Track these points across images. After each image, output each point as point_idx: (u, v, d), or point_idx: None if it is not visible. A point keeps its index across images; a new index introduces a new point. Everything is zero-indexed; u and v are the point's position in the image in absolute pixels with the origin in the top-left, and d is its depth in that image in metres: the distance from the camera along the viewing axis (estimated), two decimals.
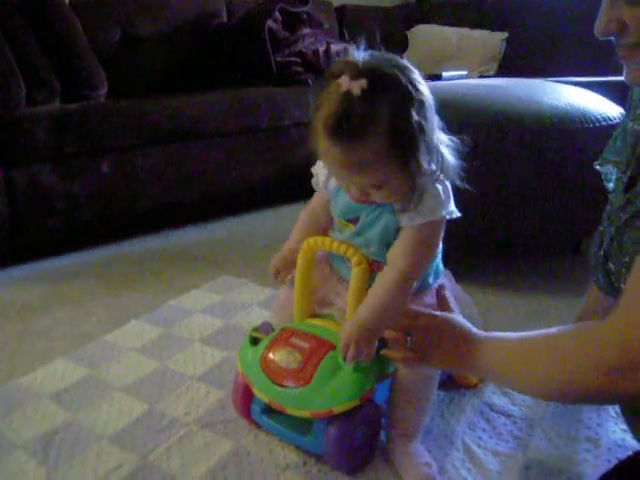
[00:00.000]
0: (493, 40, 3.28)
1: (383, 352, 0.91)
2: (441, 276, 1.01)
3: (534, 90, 1.65)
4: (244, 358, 1.00)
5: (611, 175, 0.94)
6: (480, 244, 1.71)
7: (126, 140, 2.07)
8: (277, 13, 2.63)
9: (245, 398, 1.02)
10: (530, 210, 1.52)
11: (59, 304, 1.63)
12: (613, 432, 1.02)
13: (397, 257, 0.88)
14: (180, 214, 2.32)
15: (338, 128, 0.77)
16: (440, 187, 0.87)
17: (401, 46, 3.41)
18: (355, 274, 0.92)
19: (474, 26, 3.37)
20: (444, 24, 3.45)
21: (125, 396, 1.16)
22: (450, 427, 1.05)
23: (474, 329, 0.87)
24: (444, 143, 0.87)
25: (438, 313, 0.90)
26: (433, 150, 0.83)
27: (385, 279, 0.88)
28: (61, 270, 1.90)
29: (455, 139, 0.88)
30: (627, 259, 0.74)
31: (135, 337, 1.41)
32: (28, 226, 1.93)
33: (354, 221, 0.94)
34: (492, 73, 3.23)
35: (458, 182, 0.89)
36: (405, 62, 0.82)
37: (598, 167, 0.98)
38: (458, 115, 1.47)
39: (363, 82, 0.76)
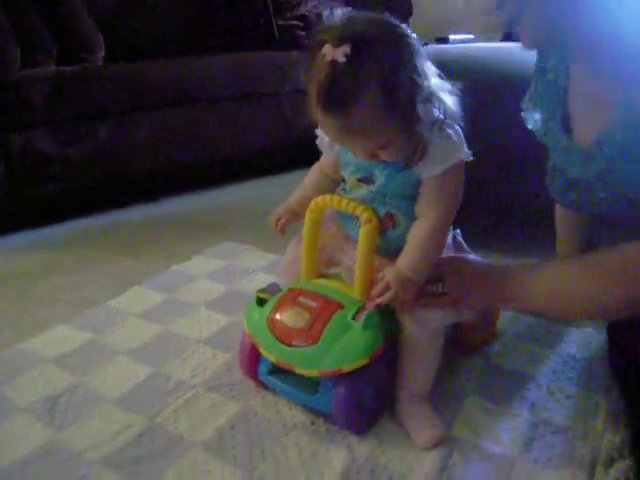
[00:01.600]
0: None
1: (424, 302, 0.91)
2: None
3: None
4: (251, 319, 0.98)
5: (534, 117, 1.02)
6: (482, 206, 1.69)
7: (124, 104, 2.04)
8: None
9: (252, 359, 1.01)
10: (533, 172, 1.50)
11: (59, 271, 1.62)
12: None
13: (425, 210, 0.88)
14: (180, 180, 2.29)
15: (329, 99, 0.76)
16: (451, 132, 0.86)
17: (406, 11, 3.34)
18: (364, 232, 0.90)
19: None
20: None
21: (130, 360, 1.15)
22: (457, 388, 1.04)
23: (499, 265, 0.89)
24: (443, 89, 0.85)
25: (462, 255, 0.93)
26: (432, 98, 0.82)
27: (418, 231, 0.88)
28: (60, 237, 1.89)
29: (455, 84, 0.86)
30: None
31: (138, 303, 1.39)
32: (25, 193, 1.91)
33: (366, 180, 0.92)
34: (498, 38, 3.17)
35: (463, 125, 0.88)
36: (388, 17, 0.80)
37: (523, 114, 1.05)
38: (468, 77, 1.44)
39: (346, 48, 0.74)
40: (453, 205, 0.90)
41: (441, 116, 0.84)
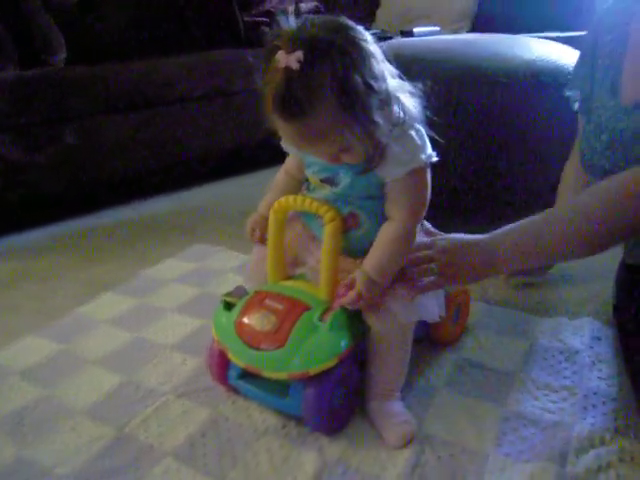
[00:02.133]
0: None
1: (421, 285, 0.92)
2: None
3: (507, 45, 1.62)
4: (218, 324, 0.97)
5: (576, 97, 1.12)
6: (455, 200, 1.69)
7: (89, 108, 2.00)
8: None
9: (221, 364, 0.99)
10: (504, 163, 1.51)
11: (27, 279, 1.58)
12: (588, 379, 1.03)
13: (393, 211, 0.89)
14: (150, 183, 2.26)
15: (285, 106, 0.76)
16: (413, 133, 0.86)
17: (373, 4, 3.33)
18: (327, 231, 0.90)
19: None
20: None
21: (99, 369, 1.13)
22: (428, 383, 1.04)
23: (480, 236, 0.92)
24: (403, 90, 0.85)
25: (447, 235, 0.95)
26: (390, 101, 0.82)
27: (386, 233, 0.89)
28: (28, 245, 1.85)
29: (417, 85, 0.87)
30: None
31: (108, 309, 1.37)
32: None
33: (329, 181, 0.92)
34: (465, 30, 3.17)
35: (425, 126, 0.88)
36: (343, 20, 0.79)
37: (568, 92, 1.15)
38: (430, 71, 1.44)
39: (299, 54, 0.73)
40: (420, 206, 0.90)
41: (401, 118, 0.84)
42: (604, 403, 0.95)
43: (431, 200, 0.92)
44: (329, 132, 0.78)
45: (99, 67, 2.09)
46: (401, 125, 0.84)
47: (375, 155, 0.84)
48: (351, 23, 0.80)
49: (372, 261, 0.88)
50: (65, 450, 0.92)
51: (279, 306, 0.92)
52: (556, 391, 1.01)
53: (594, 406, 0.96)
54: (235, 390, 1.02)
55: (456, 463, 0.86)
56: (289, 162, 1.04)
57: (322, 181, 0.93)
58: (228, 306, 0.98)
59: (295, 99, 0.74)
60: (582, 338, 1.15)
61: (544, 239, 0.88)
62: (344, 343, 0.89)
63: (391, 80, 0.83)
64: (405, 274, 0.92)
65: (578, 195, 0.90)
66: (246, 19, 2.50)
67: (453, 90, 1.42)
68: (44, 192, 1.97)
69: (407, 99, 0.85)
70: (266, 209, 1.02)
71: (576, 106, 1.13)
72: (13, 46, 1.97)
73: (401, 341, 0.94)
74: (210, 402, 1.02)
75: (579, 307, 1.28)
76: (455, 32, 3.07)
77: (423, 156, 0.86)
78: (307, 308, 0.91)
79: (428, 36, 2.15)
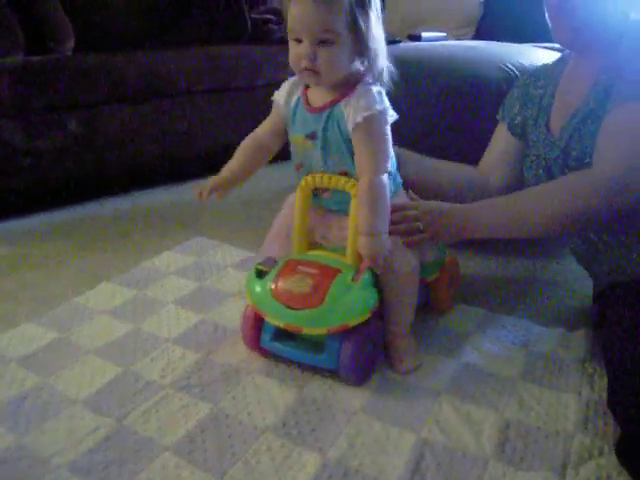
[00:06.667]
0: (471, 3, 3.23)
1: (410, 239, 1.09)
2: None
3: (508, 52, 1.63)
4: (252, 291, 1.06)
5: (514, 121, 1.29)
6: None
7: (94, 97, 1.99)
8: None
9: (255, 329, 1.09)
10: None
11: (26, 266, 1.57)
12: (589, 389, 1.03)
13: (361, 164, 1.02)
14: (150, 175, 2.25)
15: None
16: (374, 90, 1.01)
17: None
18: (354, 204, 1.02)
19: None
20: None
21: (98, 359, 1.13)
22: (428, 389, 1.04)
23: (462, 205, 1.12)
24: (383, 52, 1.01)
25: (432, 201, 1.14)
26: (377, 55, 0.99)
27: (364, 188, 1.01)
28: (27, 231, 1.84)
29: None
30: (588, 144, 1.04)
31: (107, 299, 1.37)
32: None
33: (312, 137, 1.05)
34: (469, 37, 3.18)
35: (392, 86, 1.04)
36: None
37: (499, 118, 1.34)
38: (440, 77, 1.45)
39: None
40: (381, 155, 1.02)
41: (379, 69, 1.01)
42: (605, 413, 0.95)
43: None
44: (332, 7, 0.92)
45: (106, 57, 2.08)
46: (375, 78, 1.02)
47: (347, 82, 1.00)
48: None
49: (361, 223, 1.01)
50: (64, 440, 0.91)
51: (313, 271, 1.03)
52: (556, 400, 1.01)
53: (595, 416, 0.96)
54: (267, 352, 1.11)
55: (456, 469, 0.86)
56: (264, 126, 1.15)
57: (306, 137, 1.06)
58: (260, 274, 1.07)
59: None
60: (582, 348, 1.15)
61: (510, 215, 1.08)
62: (375, 299, 1.03)
63: (381, 39, 1.00)
64: (396, 229, 1.07)
65: (544, 184, 1.11)
66: (254, 16, 2.49)
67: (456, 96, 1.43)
68: (46, 179, 1.96)
69: (383, 59, 1.01)
70: (227, 171, 1.13)
71: (499, 115, 1.34)
72: (21, 32, 1.95)
73: (406, 286, 1.08)
74: (210, 397, 1.01)
75: (579, 317, 1.28)
76: (459, 38, 3.08)
77: (379, 106, 1.00)
78: (338, 271, 1.02)
79: (435, 41, 2.16)
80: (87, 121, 1.99)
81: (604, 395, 0.99)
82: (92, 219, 1.95)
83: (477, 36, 3.18)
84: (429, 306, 1.29)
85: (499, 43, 1.89)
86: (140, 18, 2.49)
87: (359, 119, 0.98)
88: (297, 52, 0.97)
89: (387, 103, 1.03)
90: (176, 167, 2.30)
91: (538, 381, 1.06)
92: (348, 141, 1.03)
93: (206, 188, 1.11)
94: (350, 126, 1.00)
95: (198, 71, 2.25)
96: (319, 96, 1.05)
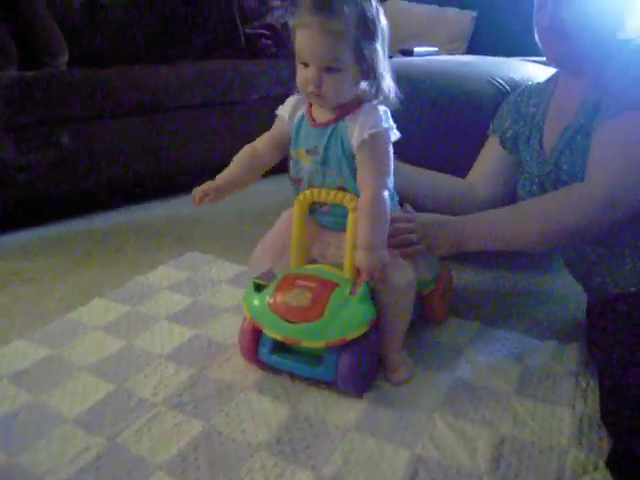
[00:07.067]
0: (462, 18, 3.25)
1: (405, 251, 1.11)
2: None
3: (500, 67, 1.64)
4: (251, 304, 1.08)
5: (507, 136, 1.31)
6: None
7: (87, 111, 2.00)
8: None
9: (252, 342, 1.10)
10: None
11: (18, 281, 1.57)
12: (582, 404, 1.03)
13: (364, 180, 1.04)
14: (144, 189, 2.25)
15: (319, 2, 0.95)
16: (380, 108, 1.04)
17: None
18: (351, 218, 1.04)
19: (443, 3, 3.34)
20: (412, 0, 3.41)
21: (90, 376, 1.12)
22: (422, 405, 1.04)
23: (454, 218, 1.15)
24: (388, 71, 1.04)
25: (425, 213, 1.18)
26: (382, 76, 1.02)
27: (366, 202, 1.02)
28: (19, 246, 1.83)
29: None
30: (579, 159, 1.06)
31: (100, 315, 1.36)
32: None
33: (313, 152, 1.07)
34: (461, 51, 3.21)
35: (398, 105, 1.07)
36: None
37: (490, 133, 1.36)
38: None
39: None
40: (384, 172, 1.04)
41: (378, 95, 1.04)
42: (599, 427, 0.95)
43: None
44: (339, 38, 0.95)
45: (99, 72, 2.08)
46: (381, 98, 1.04)
47: (351, 103, 1.03)
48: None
49: (361, 237, 1.02)
50: (55, 459, 0.90)
51: (312, 284, 1.04)
52: (551, 414, 1.01)
53: (589, 430, 0.96)
54: (265, 366, 1.12)
55: None
56: (264, 138, 1.17)
57: (307, 152, 1.08)
58: (258, 288, 1.09)
59: (332, 1, 0.95)
60: (575, 361, 1.15)
61: (505, 228, 1.11)
62: (372, 312, 1.04)
63: (384, 60, 1.02)
64: (391, 242, 1.08)
65: (538, 198, 1.13)
66: (247, 31, 2.51)
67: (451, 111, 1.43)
68: (39, 193, 1.96)
69: (389, 81, 1.04)
70: (222, 180, 1.15)
71: (490, 129, 1.36)
72: (14, 47, 1.95)
73: (402, 299, 1.08)
74: (203, 415, 1.00)
75: (572, 329, 1.28)
76: (451, 52, 3.10)
77: (385, 124, 1.03)
78: (336, 285, 1.04)
79: (427, 56, 2.17)
80: (80, 136, 1.99)
81: (596, 409, 0.99)
82: (85, 233, 1.94)
83: (469, 50, 3.20)
84: (423, 318, 1.29)
85: (491, 58, 1.90)
86: (133, 33, 2.50)
87: (365, 136, 1.01)
88: (304, 76, 1.00)
89: (392, 122, 1.06)
90: (170, 181, 2.30)
91: (532, 395, 1.06)
92: (349, 157, 1.04)
93: (199, 192, 1.12)
94: (355, 142, 1.02)
95: (191, 86, 2.26)
96: (324, 113, 1.07)
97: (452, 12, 3.27)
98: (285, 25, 2.57)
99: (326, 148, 1.06)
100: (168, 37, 2.61)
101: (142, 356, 1.19)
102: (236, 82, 2.38)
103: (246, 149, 1.18)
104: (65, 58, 2.13)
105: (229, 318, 1.34)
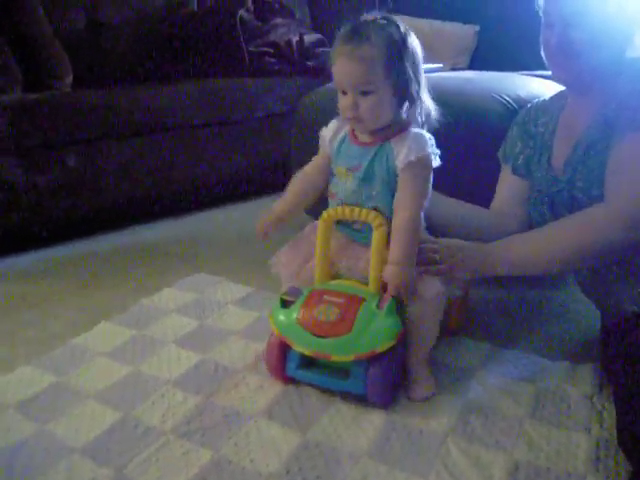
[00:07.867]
0: (465, 33, 3.26)
1: (427, 269, 1.10)
2: None
3: (505, 83, 1.63)
4: (279, 320, 1.10)
5: (517, 159, 1.30)
6: None
7: (92, 132, 2.00)
8: (249, 1, 2.56)
9: (279, 358, 1.12)
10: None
11: (23, 305, 1.56)
12: (598, 427, 1.01)
13: (401, 202, 1.07)
14: (150, 209, 2.24)
15: (352, 32, 1.03)
16: (426, 134, 1.09)
17: None
18: (377, 235, 1.06)
19: (445, 18, 3.35)
20: (414, 15, 3.41)
21: (97, 404, 1.11)
22: (435, 430, 1.02)
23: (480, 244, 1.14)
24: (426, 92, 1.09)
25: (450, 238, 1.17)
26: (419, 99, 1.08)
27: (399, 224, 1.06)
28: (25, 269, 1.82)
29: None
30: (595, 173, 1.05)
31: (106, 340, 1.35)
32: None
33: (354, 169, 1.11)
34: (464, 66, 3.21)
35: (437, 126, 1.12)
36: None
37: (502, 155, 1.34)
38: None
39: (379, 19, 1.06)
40: (423, 196, 1.08)
41: (423, 117, 1.10)
42: (617, 451, 0.93)
43: None
44: (369, 62, 1.01)
45: (103, 92, 2.09)
46: (422, 123, 1.10)
47: (391, 126, 1.08)
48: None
49: (394, 253, 1.05)
50: None
51: (339, 300, 1.07)
52: (566, 439, 0.99)
53: (606, 455, 0.94)
54: (292, 381, 1.14)
55: None
56: (313, 163, 1.21)
57: (348, 170, 1.11)
58: (285, 304, 1.11)
59: (361, 31, 1.03)
60: (589, 383, 1.13)
61: (529, 251, 1.09)
62: (399, 325, 1.06)
63: (418, 80, 1.07)
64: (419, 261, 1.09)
65: (561, 220, 1.10)
66: (251, 49, 2.51)
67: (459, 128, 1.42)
68: (44, 215, 1.95)
69: (429, 103, 1.10)
70: (280, 210, 1.19)
71: (500, 153, 1.35)
72: (19, 69, 1.96)
73: (430, 312, 1.10)
74: (212, 443, 0.99)
75: (585, 349, 1.27)
76: (454, 67, 3.10)
77: (429, 149, 1.07)
78: (363, 300, 1.06)
79: (432, 72, 2.17)
80: (86, 157, 1.99)
81: (614, 432, 0.97)
82: (91, 255, 1.93)
83: (471, 65, 3.20)
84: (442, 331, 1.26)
85: (495, 73, 1.90)
86: (138, 53, 2.51)
87: (412, 158, 1.05)
88: (344, 103, 1.06)
89: (435, 149, 1.09)
90: (175, 201, 2.30)
91: (546, 419, 1.04)
92: (391, 176, 1.08)
93: (261, 227, 1.18)
94: (401, 164, 1.06)
95: (196, 105, 2.26)
96: (367, 137, 1.12)
97: (454, 27, 3.27)
98: (288, 43, 2.57)
99: (369, 166, 1.09)
100: (172, 56, 2.63)
101: (149, 382, 1.17)
102: (240, 100, 2.39)
103: (298, 175, 1.22)
104: (70, 79, 2.14)
105: (236, 342, 1.32)
